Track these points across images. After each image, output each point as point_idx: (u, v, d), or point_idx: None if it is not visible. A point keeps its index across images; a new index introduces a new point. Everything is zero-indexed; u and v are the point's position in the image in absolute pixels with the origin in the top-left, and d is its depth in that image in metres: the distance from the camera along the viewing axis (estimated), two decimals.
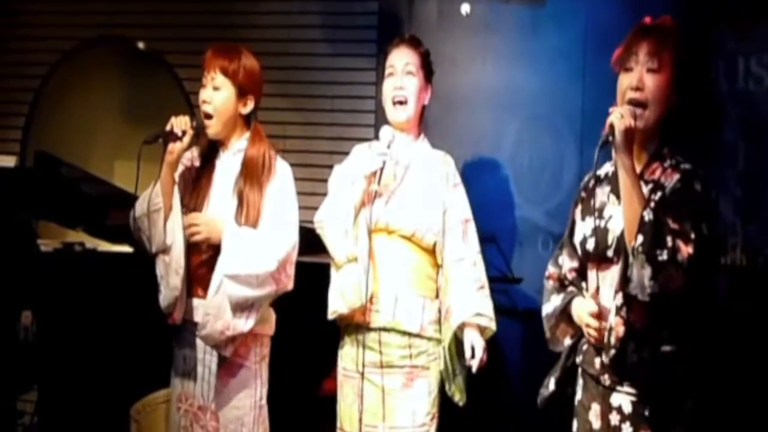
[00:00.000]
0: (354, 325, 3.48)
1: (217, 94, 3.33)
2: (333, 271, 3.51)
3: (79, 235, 4.97)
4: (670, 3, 3.88)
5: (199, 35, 5.22)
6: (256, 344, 3.36)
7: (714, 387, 2.80)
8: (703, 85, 3.98)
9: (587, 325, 2.71)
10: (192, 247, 3.31)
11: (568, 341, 2.86)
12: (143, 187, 3.28)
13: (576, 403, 2.85)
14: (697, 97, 2.75)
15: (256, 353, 3.36)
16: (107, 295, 4.46)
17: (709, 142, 4.36)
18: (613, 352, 2.63)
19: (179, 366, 3.39)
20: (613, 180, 2.74)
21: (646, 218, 2.51)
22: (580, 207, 2.87)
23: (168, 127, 3.24)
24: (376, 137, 3.53)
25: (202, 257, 3.33)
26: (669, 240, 2.48)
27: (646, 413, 2.64)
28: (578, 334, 2.84)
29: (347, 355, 3.52)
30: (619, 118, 2.58)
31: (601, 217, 2.73)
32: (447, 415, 3.52)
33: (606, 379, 2.71)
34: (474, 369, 3.37)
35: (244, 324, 3.25)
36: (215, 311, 3.22)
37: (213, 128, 3.35)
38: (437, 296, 3.51)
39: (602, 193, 2.76)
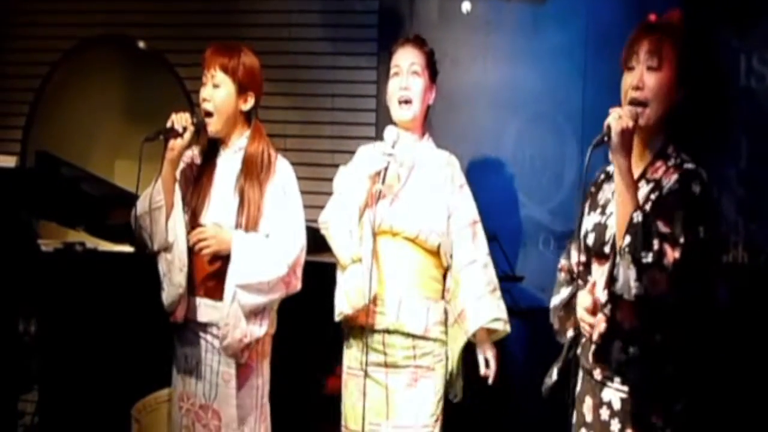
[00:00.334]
0: (358, 327, 3.47)
1: (217, 92, 3.33)
2: (339, 273, 3.51)
3: (80, 235, 4.97)
4: (672, 1, 3.87)
5: (199, 34, 5.22)
6: (258, 343, 3.35)
7: (713, 389, 2.79)
8: (709, 81, 3.99)
9: (581, 319, 2.72)
10: (194, 247, 3.31)
11: (571, 333, 2.87)
12: (144, 186, 3.28)
13: (575, 395, 2.85)
14: (703, 93, 2.74)
15: (258, 352, 3.36)
16: (108, 295, 4.46)
17: (712, 140, 4.35)
18: (593, 347, 2.68)
19: (181, 365, 3.38)
20: None
21: (635, 220, 2.51)
22: (588, 201, 2.87)
23: (168, 124, 3.25)
24: (377, 136, 3.53)
25: (204, 257, 3.33)
26: (656, 243, 2.48)
27: (635, 411, 2.64)
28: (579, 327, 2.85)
29: (352, 355, 3.52)
30: (616, 118, 2.58)
31: (603, 213, 2.74)
32: (451, 412, 3.52)
33: (598, 373, 2.72)
34: (490, 381, 3.41)
35: (259, 329, 3.28)
36: (233, 321, 3.23)
37: (213, 126, 3.35)
38: (442, 297, 3.50)
39: (609, 189, 2.77)
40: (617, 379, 2.67)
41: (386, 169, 3.39)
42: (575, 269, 2.89)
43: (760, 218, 4.38)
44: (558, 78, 4.76)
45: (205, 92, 3.35)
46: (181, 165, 3.37)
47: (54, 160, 4.81)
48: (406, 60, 3.54)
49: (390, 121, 3.55)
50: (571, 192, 4.66)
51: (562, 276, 2.96)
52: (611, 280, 2.57)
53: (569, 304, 2.85)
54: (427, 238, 3.45)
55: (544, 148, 4.82)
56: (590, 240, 2.76)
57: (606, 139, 2.58)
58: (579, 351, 2.83)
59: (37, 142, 5.63)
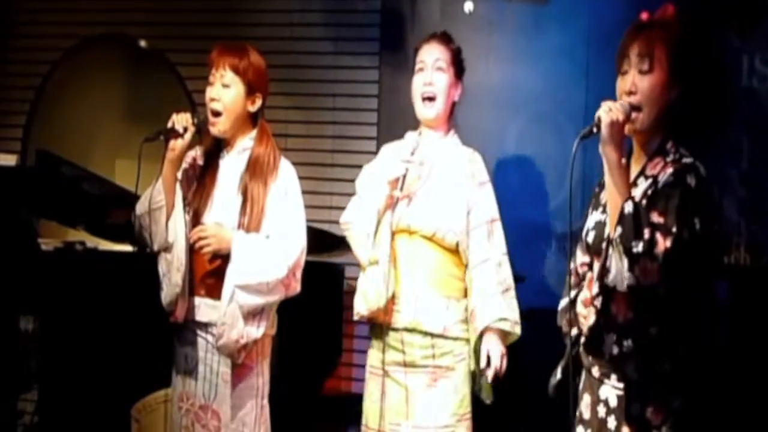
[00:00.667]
0: (379, 326, 3.46)
1: (227, 92, 3.31)
2: (360, 274, 3.51)
3: (80, 234, 4.97)
4: (675, 1, 3.86)
5: (200, 33, 5.23)
6: (258, 343, 3.34)
7: (713, 389, 2.77)
8: (709, 80, 3.98)
9: (578, 313, 2.72)
10: (194, 246, 3.30)
11: (575, 331, 2.87)
12: (144, 185, 3.28)
13: (578, 392, 2.85)
14: (702, 89, 2.73)
15: (258, 352, 3.35)
16: (108, 295, 4.46)
17: (713, 140, 4.34)
18: (583, 339, 2.69)
19: (180, 365, 3.38)
20: None
21: (626, 210, 2.50)
22: (593, 201, 2.87)
23: (169, 124, 3.24)
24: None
25: (205, 256, 3.32)
26: (647, 232, 2.48)
27: (631, 408, 2.63)
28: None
29: (374, 354, 3.51)
30: (606, 111, 2.58)
31: (605, 211, 2.74)
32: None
33: (596, 370, 2.72)
34: (489, 378, 3.36)
35: (256, 331, 3.27)
36: (230, 320, 3.22)
37: (221, 125, 3.34)
38: (465, 296, 3.47)
39: None
40: (614, 376, 2.67)
41: (404, 176, 3.38)
42: (580, 271, 2.90)
43: (762, 219, 4.38)
44: (560, 78, 4.76)
45: (214, 92, 3.32)
46: (184, 165, 3.37)
47: (54, 158, 4.81)
48: (431, 56, 3.50)
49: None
50: (573, 192, 4.65)
51: (571, 279, 2.96)
52: (603, 271, 2.57)
53: (574, 305, 2.85)
54: (444, 236, 3.42)
55: (546, 148, 4.81)
56: (591, 238, 2.77)
57: (595, 130, 2.58)
58: (581, 349, 2.84)
59: (38, 141, 5.63)
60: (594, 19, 4.66)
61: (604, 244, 2.67)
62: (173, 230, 3.26)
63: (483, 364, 3.37)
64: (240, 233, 3.27)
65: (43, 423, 4.60)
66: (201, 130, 3.32)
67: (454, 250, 3.45)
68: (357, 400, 4.77)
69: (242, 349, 3.26)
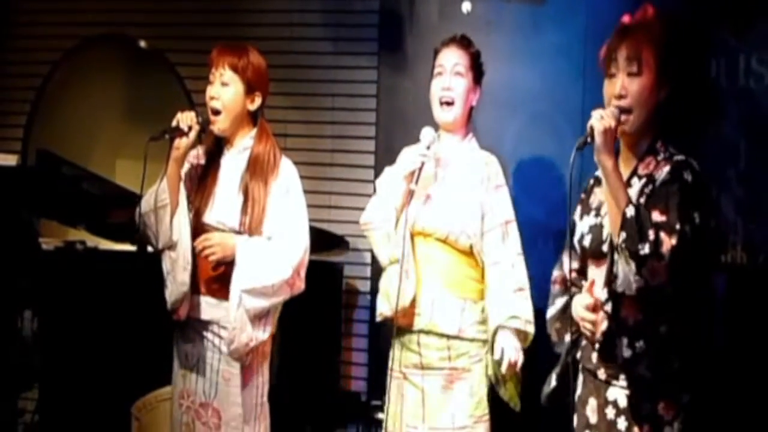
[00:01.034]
0: (399, 328, 3.46)
1: (226, 90, 3.34)
2: (382, 274, 3.52)
3: (81, 234, 4.98)
4: (670, 1, 3.87)
5: (200, 34, 5.23)
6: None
7: (714, 384, 2.80)
8: (697, 74, 3.99)
9: (582, 318, 2.72)
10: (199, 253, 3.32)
11: (568, 338, 2.88)
12: (148, 185, 3.29)
13: (576, 399, 2.86)
14: (691, 88, 2.76)
15: (259, 352, 3.37)
16: (108, 294, 4.47)
17: (710, 140, 4.35)
18: (597, 345, 2.69)
19: (181, 363, 3.40)
20: None
21: (628, 214, 2.52)
22: (579, 208, 2.88)
23: (174, 123, 3.27)
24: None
25: (209, 263, 3.34)
26: (651, 233, 2.50)
27: (641, 407, 2.65)
28: (579, 329, 2.85)
29: (395, 356, 3.51)
30: (598, 119, 2.60)
31: (598, 215, 2.76)
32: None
33: (602, 373, 2.73)
34: (503, 369, 3.34)
35: (263, 333, 3.30)
36: (240, 325, 3.25)
37: (221, 124, 3.36)
38: (482, 297, 3.47)
39: (600, 192, 2.78)
40: (622, 377, 2.68)
41: (420, 169, 3.38)
42: (568, 276, 2.91)
43: (760, 218, 4.38)
44: (557, 78, 4.76)
45: (213, 91, 3.35)
46: (186, 164, 3.39)
47: (55, 158, 4.82)
48: (450, 60, 3.51)
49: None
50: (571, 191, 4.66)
51: (556, 288, 2.97)
52: (611, 278, 2.58)
53: (565, 314, 2.86)
54: (457, 239, 3.43)
55: (544, 148, 4.82)
56: (587, 242, 2.77)
57: (590, 140, 2.60)
58: (579, 354, 2.85)
59: (38, 141, 5.63)
60: (591, 19, 4.66)
61: (604, 248, 2.69)
62: (177, 228, 3.28)
63: (497, 356, 3.35)
64: (243, 239, 3.29)
65: (43, 421, 4.61)
66: (205, 130, 3.35)
67: (469, 253, 3.46)
68: (356, 399, 4.79)
69: (250, 352, 3.30)
